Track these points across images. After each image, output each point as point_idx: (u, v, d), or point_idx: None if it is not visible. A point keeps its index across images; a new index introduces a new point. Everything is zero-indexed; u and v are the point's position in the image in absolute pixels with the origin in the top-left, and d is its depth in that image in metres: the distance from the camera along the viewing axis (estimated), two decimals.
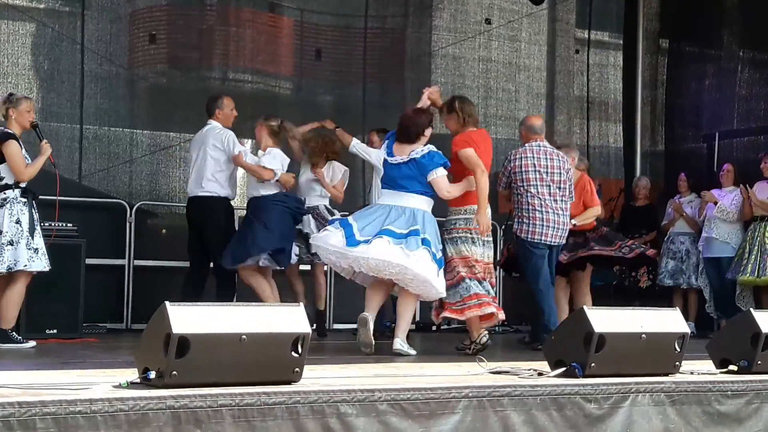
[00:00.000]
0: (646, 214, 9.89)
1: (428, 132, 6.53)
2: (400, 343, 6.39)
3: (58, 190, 6.72)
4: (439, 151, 6.47)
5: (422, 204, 6.41)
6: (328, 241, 6.31)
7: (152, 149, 9.32)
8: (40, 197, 6.85)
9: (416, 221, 6.31)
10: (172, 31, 9.79)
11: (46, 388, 3.62)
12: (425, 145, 6.49)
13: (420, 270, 6.20)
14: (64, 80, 8.97)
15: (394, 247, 6.17)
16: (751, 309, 5.39)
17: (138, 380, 3.78)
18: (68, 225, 7.54)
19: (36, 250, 6.55)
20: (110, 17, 9.19)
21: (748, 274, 8.86)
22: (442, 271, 6.39)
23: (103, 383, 3.79)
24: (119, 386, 3.72)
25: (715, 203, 9.21)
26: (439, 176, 6.41)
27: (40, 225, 6.80)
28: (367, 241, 6.20)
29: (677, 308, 5.22)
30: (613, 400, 4.44)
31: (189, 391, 3.61)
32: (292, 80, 10.26)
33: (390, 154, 6.51)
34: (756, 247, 8.90)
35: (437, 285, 6.31)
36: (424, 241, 6.26)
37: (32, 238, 6.52)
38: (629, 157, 11.09)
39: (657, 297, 9.77)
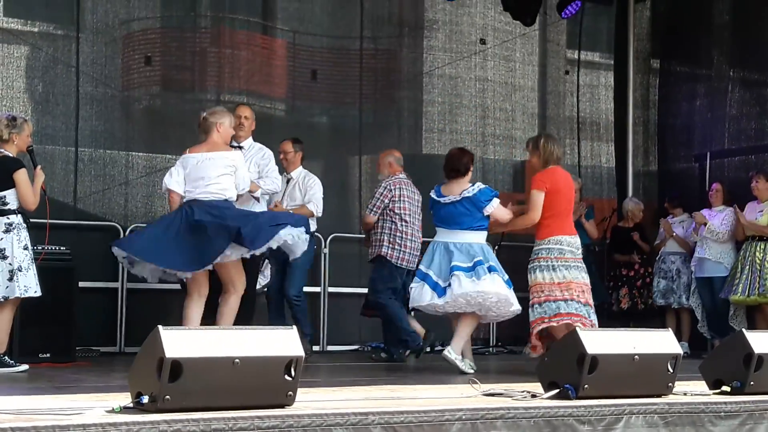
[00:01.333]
0: (633, 232, 9.94)
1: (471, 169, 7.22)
2: (450, 350, 6.86)
3: (48, 214, 6.73)
4: (485, 186, 7.13)
5: (478, 237, 7.03)
6: (425, 300, 6.98)
7: (148, 171, 9.33)
8: (32, 220, 6.87)
9: (477, 253, 6.93)
10: (166, 54, 9.81)
11: (39, 413, 3.62)
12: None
13: (498, 288, 6.85)
14: (59, 103, 8.98)
15: (467, 280, 6.85)
16: (744, 329, 5.40)
17: (131, 405, 3.78)
18: (61, 248, 7.54)
19: (34, 275, 6.58)
20: (105, 40, 9.21)
21: (739, 294, 8.89)
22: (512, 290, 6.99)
23: (96, 408, 3.79)
24: (112, 411, 3.72)
25: (705, 224, 9.24)
26: (495, 207, 7.04)
27: (33, 249, 6.82)
28: (449, 286, 6.88)
29: (670, 329, 5.23)
30: (607, 421, 4.44)
31: (182, 416, 3.61)
32: (286, 102, 10.28)
33: (439, 194, 7.09)
34: (748, 267, 8.92)
35: (514, 301, 6.97)
36: (491, 268, 6.90)
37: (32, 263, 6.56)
38: (621, 177, 11.12)
39: (650, 317, 9.79)
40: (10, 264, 6.48)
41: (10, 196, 6.58)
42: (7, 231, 6.54)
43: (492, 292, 6.84)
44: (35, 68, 8.96)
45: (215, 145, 6.83)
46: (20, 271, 6.48)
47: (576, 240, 6.92)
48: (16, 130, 6.67)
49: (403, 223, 8.05)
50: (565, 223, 6.93)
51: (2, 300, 6.51)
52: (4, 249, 6.51)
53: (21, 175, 6.55)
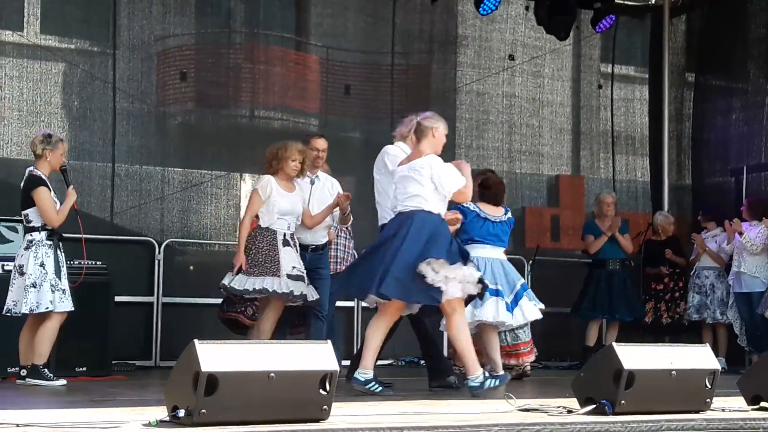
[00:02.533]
0: (667, 248, 9.86)
1: None
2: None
3: (81, 231, 6.80)
4: None
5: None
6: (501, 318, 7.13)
7: (183, 186, 9.40)
8: (70, 235, 6.95)
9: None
10: (201, 70, 9.89)
11: (77, 427, 3.65)
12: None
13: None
14: (96, 119, 9.08)
15: (531, 304, 7.23)
16: None
17: (167, 418, 3.79)
18: (97, 263, 7.61)
19: (64, 291, 6.64)
20: (141, 56, 9.31)
21: None
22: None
23: (133, 422, 3.81)
24: (149, 425, 3.74)
25: (741, 234, 9.16)
26: None
27: (69, 264, 6.90)
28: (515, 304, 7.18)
29: (707, 344, 5.18)
30: None
31: (218, 429, 3.62)
32: (319, 117, 10.32)
33: (482, 211, 7.27)
34: None
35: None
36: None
37: (59, 279, 6.61)
38: (657, 191, 11.05)
39: (686, 332, 9.70)
40: (25, 280, 6.56)
41: (32, 214, 6.68)
42: (27, 248, 6.65)
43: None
44: (72, 84, 9.07)
45: (417, 153, 6.40)
46: (33, 287, 6.56)
47: None
48: (50, 147, 6.75)
49: None
50: None
51: (27, 313, 6.59)
52: (23, 265, 6.61)
53: (39, 194, 6.64)
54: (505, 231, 7.38)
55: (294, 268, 6.89)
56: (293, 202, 7.06)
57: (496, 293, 7.03)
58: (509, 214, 7.44)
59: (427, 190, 6.16)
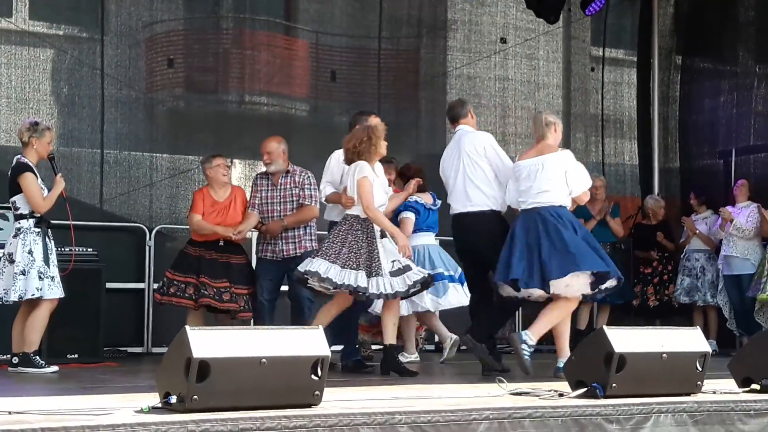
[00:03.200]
0: (657, 232, 9.88)
1: None
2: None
3: (70, 218, 6.78)
4: None
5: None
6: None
7: (172, 173, 9.37)
8: (59, 222, 6.92)
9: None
10: (189, 55, 9.85)
11: (69, 414, 3.65)
12: None
13: None
14: (85, 105, 9.03)
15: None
16: None
17: (159, 405, 3.80)
18: (88, 250, 7.60)
19: (53, 278, 6.63)
20: (128, 42, 9.26)
21: (766, 293, 8.82)
22: None
23: (125, 408, 3.82)
24: (141, 411, 3.74)
25: (732, 221, 9.18)
26: None
27: (60, 251, 6.88)
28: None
29: (698, 327, 5.20)
30: (635, 420, 4.42)
31: (210, 416, 3.62)
32: (308, 102, 10.29)
33: (424, 202, 7.72)
34: None
35: None
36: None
37: (48, 266, 6.59)
38: (646, 174, 11.06)
39: (677, 315, 9.73)
40: (14, 268, 6.55)
41: (20, 201, 6.67)
42: (15, 236, 6.65)
43: None
44: (61, 71, 9.02)
45: (548, 148, 6.43)
46: (22, 275, 6.56)
47: None
48: (36, 135, 6.73)
49: None
50: None
51: (17, 300, 6.58)
52: (12, 253, 6.61)
53: (25, 179, 6.62)
54: (436, 218, 7.76)
55: (394, 262, 6.37)
56: (383, 191, 6.67)
57: (451, 279, 7.49)
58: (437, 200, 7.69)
59: (558, 184, 6.26)
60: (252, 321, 7.60)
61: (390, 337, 6.43)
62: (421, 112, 10.64)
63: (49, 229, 6.73)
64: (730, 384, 5.16)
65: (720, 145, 10.59)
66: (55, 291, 6.64)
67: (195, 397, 3.71)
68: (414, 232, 7.59)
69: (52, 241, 6.76)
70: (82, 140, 9.02)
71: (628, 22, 11.53)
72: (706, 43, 10.88)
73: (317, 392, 4.02)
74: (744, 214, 9.24)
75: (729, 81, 10.67)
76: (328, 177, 7.07)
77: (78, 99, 9.01)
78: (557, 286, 6.25)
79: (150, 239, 8.84)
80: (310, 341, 4.07)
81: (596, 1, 10.49)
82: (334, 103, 10.31)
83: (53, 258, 6.70)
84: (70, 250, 7.08)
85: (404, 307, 7.30)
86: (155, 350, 8.51)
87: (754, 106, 10.30)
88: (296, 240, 7.41)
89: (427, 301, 7.60)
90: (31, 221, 6.65)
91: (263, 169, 7.76)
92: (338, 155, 6.93)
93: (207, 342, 3.78)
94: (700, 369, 4.89)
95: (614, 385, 4.55)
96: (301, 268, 6.38)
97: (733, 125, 10.47)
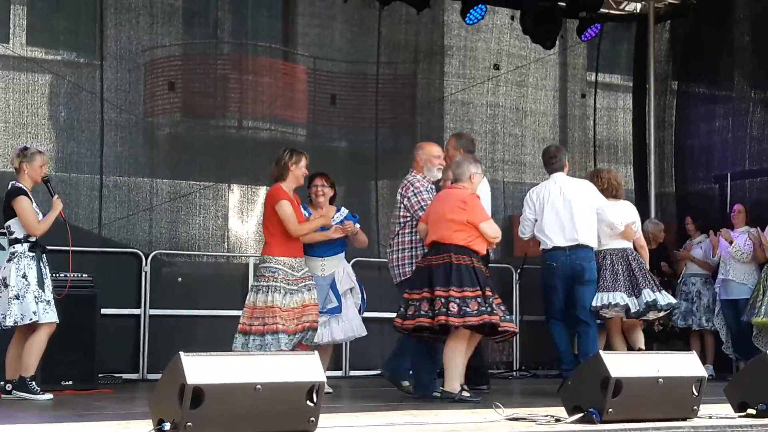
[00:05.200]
0: (656, 257, 9.86)
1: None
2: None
3: (70, 242, 6.78)
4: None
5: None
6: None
7: (171, 197, 9.38)
8: (57, 248, 6.92)
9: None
10: (188, 80, 9.87)
11: None
12: None
13: None
14: (84, 129, 9.05)
15: None
16: None
17: None
18: (83, 275, 7.58)
19: (48, 303, 6.62)
20: (128, 67, 9.28)
21: (762, 316, 8.82)
22: None
23: None
24: None
25: (731, 242, 9.18)
26: None
27: (54, 277, 6.87)
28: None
29: (694, 351, 5.19)
30: None
31: None
32: (306, 126, 10.32)
33: None
34: None
35: None
36: None
37: (43, 291, 6.59)
38: (642, 199, 11.08)
39: (674, 339, 9.71)
40: (9, 293, 6.54)
41: (14, 225, 6.67)
42: (9, 260, 6.65)
43: None
44: (59, 96, 9.04)
45: None
46: (17, 299, 6.55)
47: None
48: (26, 160, 6.75)
49: None
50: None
51: (14, 325, 6.57)
52: (6, 278, 6.60)
53: (19, 203, 6.63)
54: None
55: None
56: None
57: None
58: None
59: None
60: None
61: None
62: (417, 136, 10.65)
63: (44, 254, 6.72)
64: (726, 409, 5.15)
65: (715, 169, 10.61)
66: (51, 315, 6.63)
67: (189, 423, 3.70)
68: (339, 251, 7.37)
69: (47, 266, 6.76)
70: (81, 165, 9.03)
71: (623, 48, 11.58)
72: (702, 68, 10.92)
73: (312, 418, 4.01)
74: (742, 238, 9.25)
75: (725, 106, 10.70)
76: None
77: (77, 123, 9.03)
78: None
79: (146, 265, 8.83)
80: (305, 367, 4.06)
81: (592, 26, 10.55)
82: (332, 128, 10.35)
83: (48, 282, 6.69)
84: (66, 275, 7.07)
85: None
86: (151, 377, 8.47)
87: (749, 130, 10.32)
88: None
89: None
90: (26, 245, 6.65)
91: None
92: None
93: (201, 368, 3.77)
94: (697, 394, 4.88)
95: (610, 410, 4.54)
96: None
97: (728, 150, 10.49)
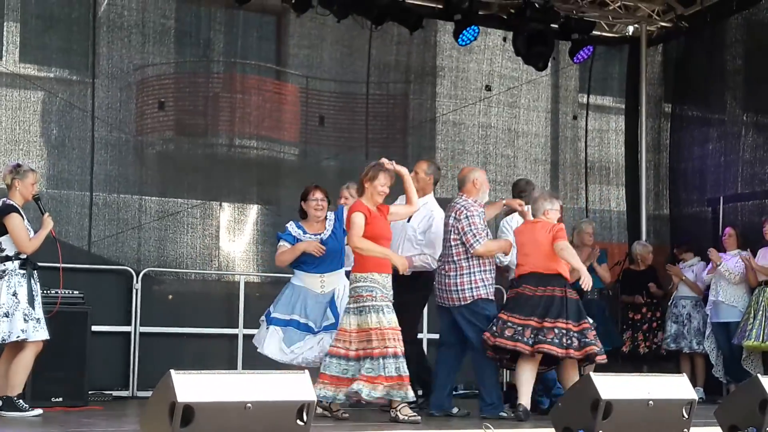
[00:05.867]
0: (646, 278, 9.90)
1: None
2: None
3: (60, 260, 6.76)
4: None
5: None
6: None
7: (160, 215, 9.38)
8: (47, 265, 6.90)
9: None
10: (179, 99, 9.89)
11: None
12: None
13: None
14: (75, 147, 9.05)
15: None
16: (759, 375, 5.37)
17: None
18: (74, 292, 7.56)
19: (38, 320, 6.59)
20: (119, 85, 9.30)
21: (753, 339, 8.83)
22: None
23: None
24: None
25: (718, 264, 9.20)
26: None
27: (44, 294, 6.85)
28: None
29: (684, 374, 5.20)
30: None
31: None
32: (297, 146, 10.33)
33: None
34: (761, 312, 8.87)
35: None
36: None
37: (33, 308, 6.56)
38: (634, 221, 11.11)
39: (665, 362, 9.72)
40: None
41: (5, 242, 6.65)
42: (0, 278, 6.59)
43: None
44: (51, 113, 9.05)
45: None
46: (6, 317, 6.52)
47: None
48: (19, 177, 6.74)
49: None
50: None
51: (1, 343, 6.54)
52: None
53: (11, 220, 6.61)
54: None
55: None
56: None
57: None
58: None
59: None
60: None
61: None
62: (409, 157, 10.68)
63: (35, 271, 6.70)
64: None
65: (708, 192, 10.65)
66: (40, 333, 6.60)
67: None
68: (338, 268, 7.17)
69: (38, 284, 6.73)
70: (72, 182, 9.03)
71: (615, 70, 11.64)
72: (695, 91, 10.97)
73: None
74: (733, 261, 9.27)
75: (717, 129, 10.75)
76: None
77: (68, 141, 9.04)
78: None
79: (137, 282, 8.81)
80: (295, 386, 4.06)
81: (584, 48, 10.61)
82: (322, 148, 10.36)
83: (38, 300, 6.67)
84: (56, 292, 7.05)
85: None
86: (141, 394, 8.44)
87: (741, 154, 10.36)
88: None
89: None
90: (16, 263, 6.62)
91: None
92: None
93: (192, 386, 3.76)
94: (687, 416, 4.89)
95: (600, 431, 4.53)
96: None
97: (721, 173, 10.54)
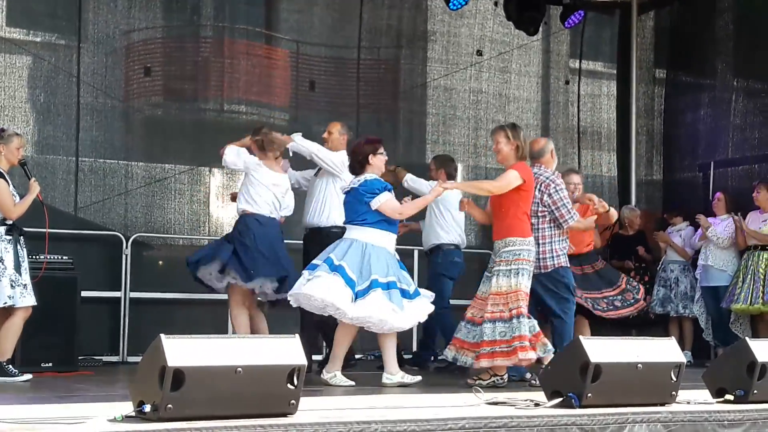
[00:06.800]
0: (635, 242, 9.91)
1: (374, 160, 6.56)
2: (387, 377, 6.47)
3: (47, 224, 6.73)
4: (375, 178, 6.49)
5: (361, 234, 6.39)
6: (335, 295, 6.20)
7: (147, 181, 9.34)
8: (34, 230, 6.87)
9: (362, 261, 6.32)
10: (167, 64, 9.81)
11: (41, 423, 3.61)
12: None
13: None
14: (60, 113, 8.99)
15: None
16: (747, 338, 5.40)
17: (133, 414, 3.77)
18: (63, 257, 7.54)
19: (25, 286, 6.56)
20: (106, 50, 9.22)
21: (741, 303, 8.88)
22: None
23: (99, 417, 3.78)
24: (114, 420, 3.71)
25: (707, 228, 9.22)
26: (383, 202, 6.40)
27: (32, 259, 6.82)
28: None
29: (673, 337, 5.22)
30: (610, 430, 4.43)
31: (184, 425, 3.60)
32: (287, 111, 10.28)
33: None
34: (750, 276, 8.91)
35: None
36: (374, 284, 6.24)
37: (19, 274, 6.54)
38: (624, 186, 11.12)
39: (653, 326, 9.77)
40: None
41: None
42: None
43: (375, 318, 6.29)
44: (37, 78, 8.97)
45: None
46: None
47: None
48: (3, 142, 6.71)
49: None
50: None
51: None
52: None
53: None
54: (349, 202, 6.52)
55: None
56: None
57: (338, 270, 6.34)
58: (357, 180, 6.50)
59: None
60: None
61: None
62: (400, 122, 10.66)
63: (21, 237, 6.67)
64: (704, 394, 5.19)
65: (700, 158, 10.67)
66: (27, 299, 6.58)
67: (169, 406, 3.69)
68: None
69: (25, 249, 6.70)
70: (57, 148, 8.98)
71: (606, 35, 11.60)
72: (687, 57, 10.96)
73: (293, 401, 4.01)
74: (722, 225, 9.30)
75: (709, 94, 10.76)
76: None
77: (54, 107, 8.97)
78: None
79: (127, 248, 8.79)
80: (286, 350, 4.06)
81: (575, 13, 10.56)
82: (313, 113, 10.31)
83: (25, 266, 6.65)
84: (45, 258, 7.02)
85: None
86: (131, 359, 8.45)
87: (732, 119, 10.38)
88: None
89: None
90: (2, 229, 6.59)
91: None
92: None
93: (182, 350, 3.76)
94: (675, 379, 4.91)
95: (589, 394, 4.56)
96: None
97: (713, 138, 10.56)
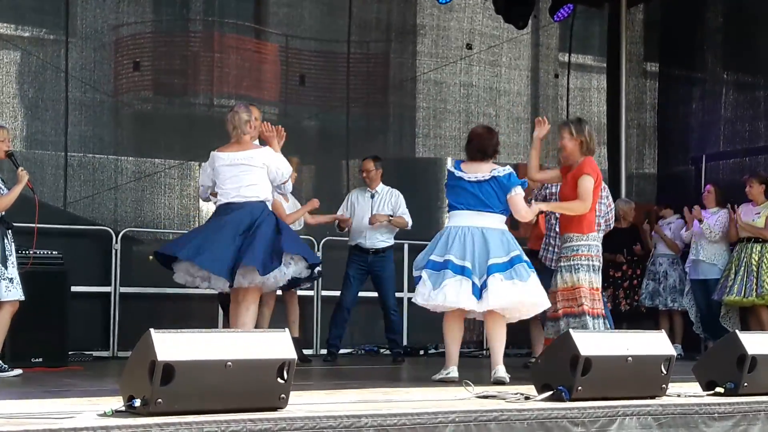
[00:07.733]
0: (628, 235, 9.92)
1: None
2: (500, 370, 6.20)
3: (36, 216, 6.70)
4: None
5: (503, 224, 6.28)
6: (463, 303, 5.99)
7: (137, 176, 9.32)
8: (23, 225, 6.84)
9: (512, 245, 6.14)
10: (156, 58, 9.79)
11: (31, 417, 3.60)
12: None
13: (540, 298, 6.15)
14: (49, 108, 8.96)
15: (508, 284, 5.99)
16: (737, 331, 5.41)
17: (123, 408, 3.76)
18: (53, 252, 7.51)
19: (11, 280, 6.52)
20: (94, 45, 9.19)
21: (734, 295, 8.90)
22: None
23: (88, 412, 3.77)
24: (104, 414, 3.70)
25: (701, 221, 9.24)
26: (517, 194, 6.25)
27: (21, 253, 6.79)
28: (485, 287, 5.99)
29: (663, 330, 5.23)
30: (600, 423, 4.44)
31: (174, 419, 3.59)
32: (277, 105, 10.27)
33: (459, 171, 6.29)
34: (742, 268, 8.94)
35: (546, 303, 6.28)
36: (529, 265, 6.16)
37: (5, 268, 6.50)
38: (614, 179, 11.15)
39: (644, 319, 9.80)
40: None
41: None
42: None
43: (532, 301, 6.11)
44: (25, 73, 8.93)
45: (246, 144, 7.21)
46: None
47: None
48: None
49: None
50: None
51: None
52: None
53: None
54: (489, 192, 6.19)
55: None
56: None
57: (461, 271, 6.01)
58: (498, 172, 6.22)
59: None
60: None
61: None
62: (390, 116, 10.65)
63: (9, 230, 6.63)
64: (694, 387, 5.20)
65: (692, 151, 10.71)
66: (13, 293, 6.53)
67: (159, 400, 3.68)
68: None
69: (12, 243, 6.67)
70: (46, 143, 8.95)
71: (596, 29, 11.62)
72: (677, 50, 10.99)
73: (283, 395, 4.00)
74: (713, 218, 9.32)
75: (699, 88, 10.80)
76: None
77: (42, 102, 8.94)
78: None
79: (116, 243, 8.77)
80: (276, 344, 4.05)
81: (564, 6, 10.56)
82: (303, 107, 10.30)
83: (12, 259, 6.60)
84: (28, 252, 6.97)
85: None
86: (121, 354, 8.44)
87: (723, 112, 10.41)
88: None
89: None
90: None
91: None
92: None
93: (172, 345, 3.75)
94: (665, 372, 4.92)
95: (580, 388, 4.56)
96: None
97: (703, 132, 10.59)
